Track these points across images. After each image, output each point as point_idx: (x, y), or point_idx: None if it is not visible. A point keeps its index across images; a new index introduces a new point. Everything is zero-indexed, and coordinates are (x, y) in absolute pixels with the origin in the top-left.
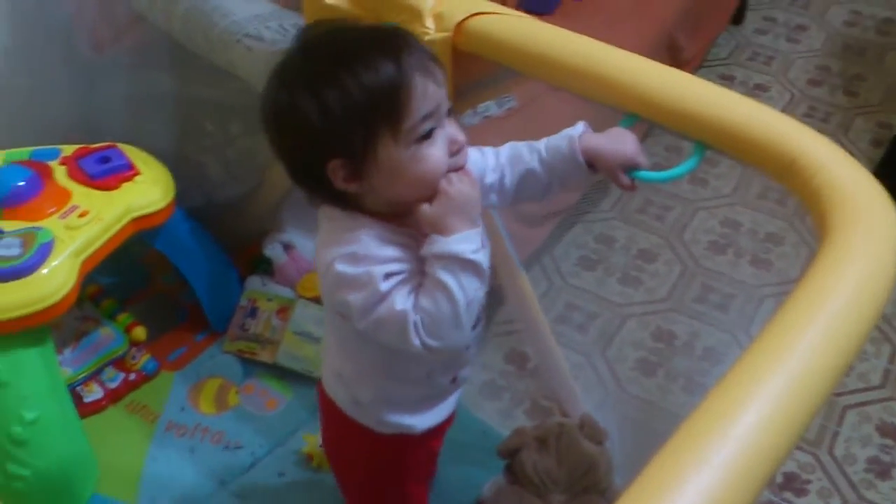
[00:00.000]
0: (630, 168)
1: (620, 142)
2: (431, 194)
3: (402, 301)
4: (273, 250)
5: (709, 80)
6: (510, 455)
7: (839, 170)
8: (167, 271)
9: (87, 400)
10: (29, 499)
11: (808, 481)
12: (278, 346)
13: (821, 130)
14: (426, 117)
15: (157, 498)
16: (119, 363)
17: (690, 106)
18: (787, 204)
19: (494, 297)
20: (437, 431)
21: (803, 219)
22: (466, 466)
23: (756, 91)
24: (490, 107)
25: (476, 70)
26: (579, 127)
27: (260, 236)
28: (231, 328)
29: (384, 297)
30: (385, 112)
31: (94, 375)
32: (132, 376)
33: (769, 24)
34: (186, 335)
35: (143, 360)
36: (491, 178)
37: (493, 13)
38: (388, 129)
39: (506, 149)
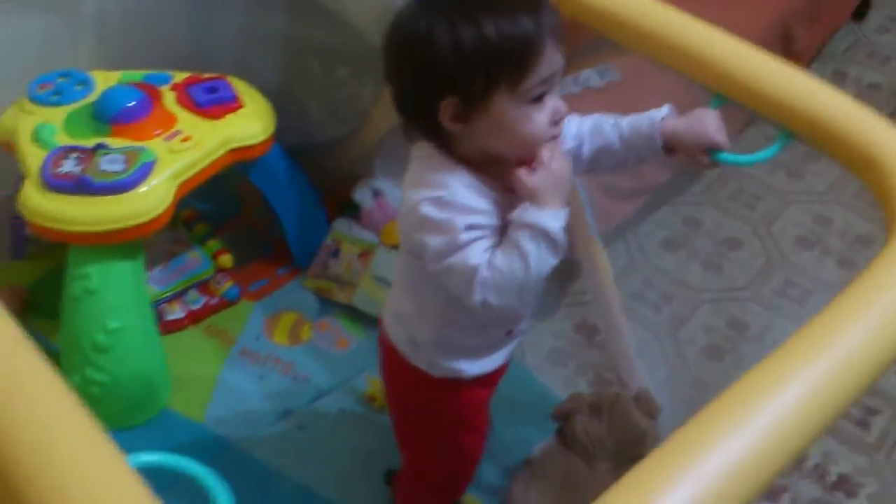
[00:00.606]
0: (710, 149)
1: (700, 123)
2: (524, 156)
3: (477, 255)
4: (362, 195)
5: (822, 75)
6: (563, 418)
7: None
8: (259, 204)
9: (168, 318)
10: (103, 404)
11: (862, 484)
12: (356, 289)
13: None
14: (544, 81)
15: (223, 418)
16: (203, 287)
17: (777, 91)
18: None
19: (571, 268)
20: (488, 380)
21: None
22: (522, 426)
23: (868, 90)
24: (591, 77)
25: (576, 37)
26: (664, 110)
27: (352, 180)
28: (313, 266)
29: (462, 247)
30: (512, 65)
31: (178, 296)
32: (214, 301)
33: (892, 24)
34: (270, 268)
35: (226, 286)
36: (569, 144)
37: None
38: (509, 82)
39: (589, 119)
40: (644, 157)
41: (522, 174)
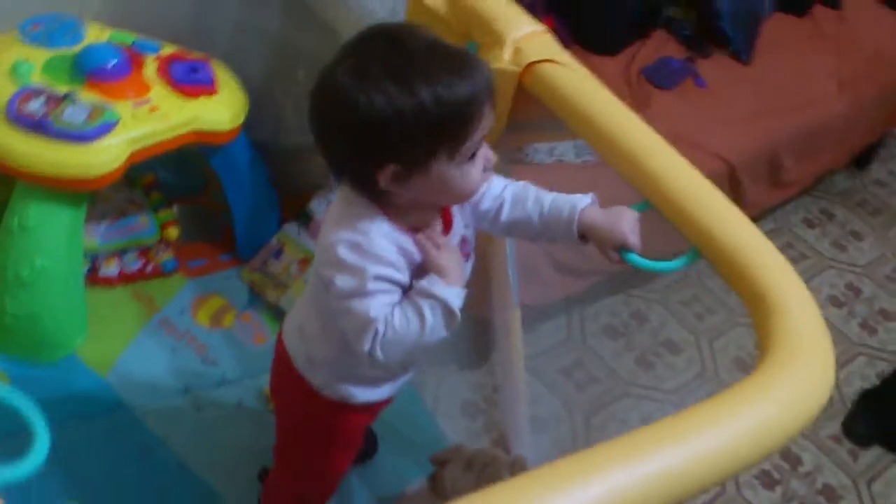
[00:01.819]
0: (622, 248)
1: (616, 221)
2: (455, 202)
3: (377, 308)
4: (318, 206)
5: (808, 210)
6: (439, 464)
7: (798, 321)
8: (220, 189)
9: (102, 273)
10: (14, 336)
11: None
12: (286, 291)
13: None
14: (478, 142)
15: (125, 379)
16: (144, 252)
17: (694, 211)
18: None
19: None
20: (374, 408)
21: None
22: (406, 463)
23: (849, 237)
24: (567, 152)
25: (534, 111)
26: (587, 198)
27: (312, 189)
28: (254, 260)
29: (366, 294)
30: (452, 133)
31: (118, 254)
32: (150, 267)
33: (891, 179)
34: (213, 251)
35: (165, 256)
36: (487, 205)
37: (565, 66)
38: (448, 147)
39: (513, 187)
40: (558, 238)
41: (433, 252)
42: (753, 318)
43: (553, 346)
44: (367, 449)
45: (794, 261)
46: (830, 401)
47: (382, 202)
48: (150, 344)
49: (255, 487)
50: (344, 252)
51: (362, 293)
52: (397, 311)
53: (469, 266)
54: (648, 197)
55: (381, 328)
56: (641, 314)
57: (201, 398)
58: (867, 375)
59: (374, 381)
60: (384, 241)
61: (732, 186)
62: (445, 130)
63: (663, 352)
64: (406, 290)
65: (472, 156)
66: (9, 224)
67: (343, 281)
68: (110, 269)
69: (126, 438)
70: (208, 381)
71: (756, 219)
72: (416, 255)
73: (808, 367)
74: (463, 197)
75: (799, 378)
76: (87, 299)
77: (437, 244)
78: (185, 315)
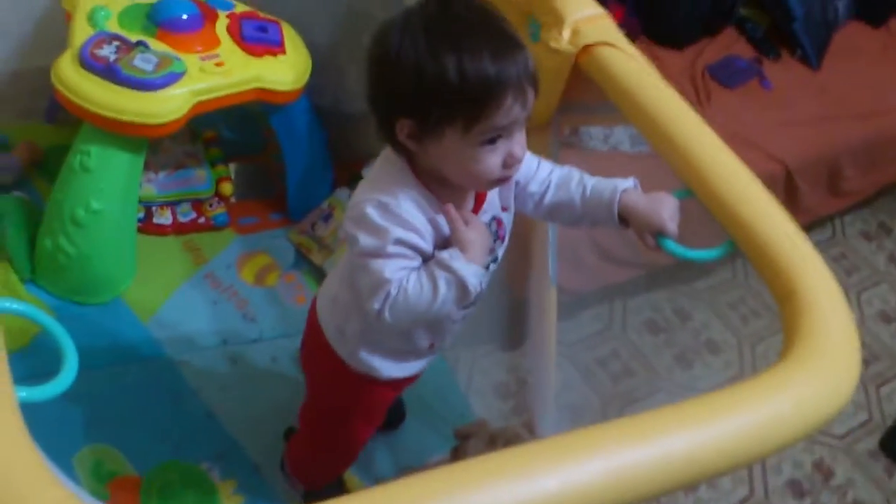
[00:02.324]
0: (659, 233)
1: (657, 207)
2: (472, 187)
3: (394, 271)
4: (369, 172)
5: (867, 222)
6: (462, 438)
7: (827, 320)
8: (278, 150)
9: (155, 221)
10: (64, 273)
11: None
12: (331, 255)
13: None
14: (498, 128)
15: (165, 326)
16: (197, 205)
17: (734, 203)
18: None
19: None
20: (399, 384)
21: None
22: (430, 435)
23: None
24: (623, 141)
25: (588, 93)
26: (629, 181)
27: (367, 157)
28: (303, 221)
29: (385, 256)
30: (467, 108)
31: (172, 204)
32: (202, 220)
33: None
34: (264, 209)
35: (218, 210)
36: (533, 187)
37: (622, 50)
38: (462, 121)
39: (559, 171)
40: (599, 221)
41: (460, 226)
42: (781, 313)
43: (592, 335)
44: (395, 418)
45: (847, 272)
46: (870, 416)
47: (414, 166)
48: (194, 295)
49: (279, 445)
50: (371, 211)
51: (382, 254)
52: (413, 278)
53: (502, 249)
54: (690, 185)
55: (393, 291)
56: (685, 312)
57: (237, 352)
58: None
59: (401, 356)
60: (412, 206)
61: (788, 190)
62: (461, 104)
63: (703, 351)
64: (427, 260)
65: (493, 141)
66: (71, 163)
67: (365, 239)
68: (163, 217)
69: (159, 384)
70: (246, 336)
71: (811, 226)
72: (445, 228)
73: (829, 368)
74: (476, 181)
75: (818, 378)
76: (137, 245)
77: (465, 219)
78: (231, 270)
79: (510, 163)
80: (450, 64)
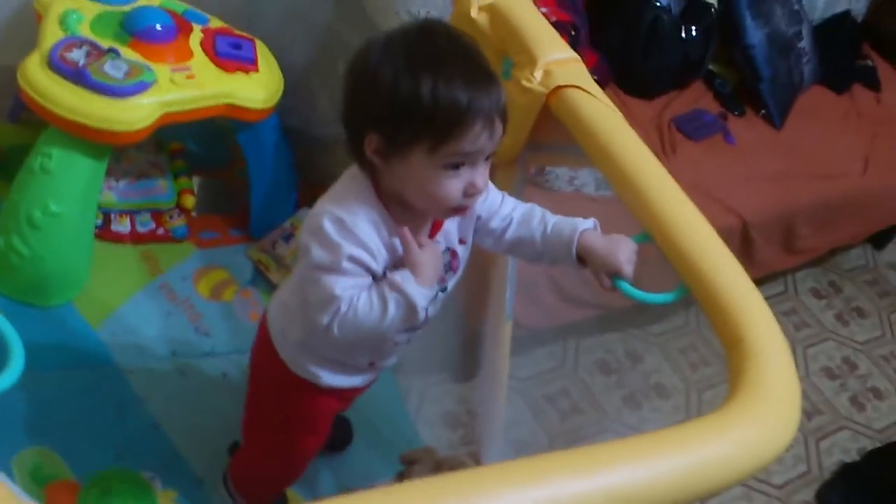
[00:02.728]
0: (615, 275)
1: (614, 248)
2: (433, 214)
3: (344, 288)
4: (332, 186)
5: (818, 279)
6: (407, 463)
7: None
8: (243, 168)
9: (113, 228)
10: (16, 275)
11: None
12: (288, 274)
13: (890, 379)
14: (464, 154)
15: (116, 334)
16: (157, 215)
17: (690, 250)
18: None
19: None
20: (342, 395)
21: None
22: (378, 458)
23: (853, 313)
24: (587, 184)
25: (555, 134)
26: (589, 222)
27: (333, 180)
28: (264, 240)
29: (337, 272)
30: (435, 129)
31: (132, 213)
32: (161, 231)
33: None
34: (225, 225)
35: (178, 223)
36: (495, 223)
37: (592, 95)
38: (429, 141)
39: (522, 207)
40: (557, 260)
41: (414, 249)
42: (728, 359)
43: (544, 371)
44: (341, 439)
45: (796, 327)
46: (808, 468)
47: (377, 186)
48: (147, 304)
49: (223, 460)
50: (327, 224)
51: (334, 269)
52: (363, 296)
53: (454, 281)
54: (649, 230)
55: (343, 307)
56: (637, 355)
57: (187, 365)
58: (848, 449)
59: (341, 368)
60: (369, 226)
61: (744, 243)
62: (430, 124)
63: (652, 394)
64: (376, 279)
65: (457, 167)
66: (31, 165)
67: (318, 252)
68: (122, 225)
69: (106, 392)
70: (197, 349)
71: (764, 280)
72: (400, 251)
73: (771, 414)
74: (435, 205)
75: (760, 423)
76: (93, 252)
77: (420, 243)
78: (187, 283)
79: (470, 192)
80: (425, 85)
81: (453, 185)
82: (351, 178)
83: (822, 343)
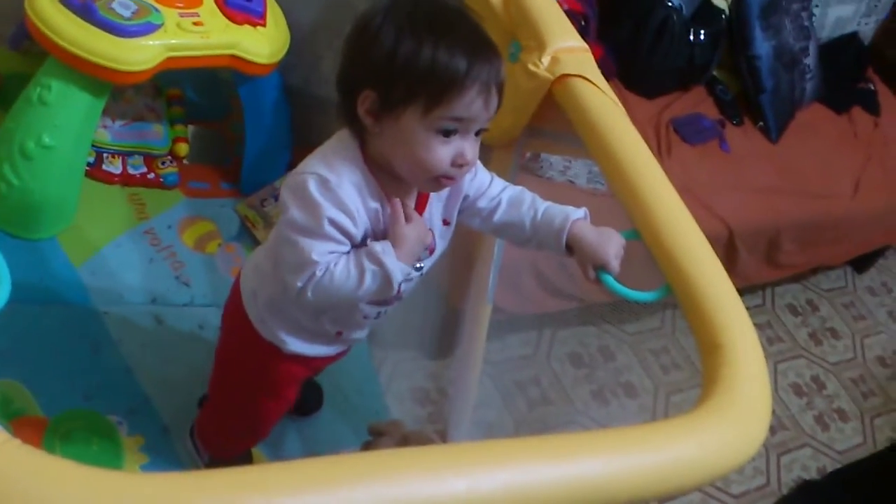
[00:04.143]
0: (601, 268)
1: (604, 243)
2: (418, 183)
3: (321, 253)
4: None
5: (795, 296)
6: (375, 434)
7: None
8: (240, 120)
9: (104, 168)
10: (3, 202)
11: None
12: None
13: (857, 402)
14: (457, 119)
15: (96, 274)
16: (149, 160)
17: (677, 251)
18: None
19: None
20: (307, 363)
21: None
22: (346, 427)
23: (827, 333)
24: (580, 175)
25: (555, 121)
26: (580, 212)
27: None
28: (253, 196)
29: (315, 234)
30: (431, 90)
31: (124, 154)
32: (151, 175)
33: (883, 290)
34: (216, 177)
35: (169, 169)
36: (483, 203)
37: (595, 85)
38: (423, 103)
39: (512, 189)
40: (545, 246)
41: (401, 220)
42: (703, 362)
43: (516, 358)
44: (311, 405)
45: (769, 340)
46: (767, 481)
47: (365, 151)
48: (130, 248)
49: (192, 411)
50: (311, 183)
51: (312, 232)
52: (341, 263)
53: (430, 262)
54: (638, 226)
55: (318, 272)
56: (609, 351)
57: (165, 313)
58: (808, 467)
59: (308, 336)
60: (352, 189)
61: (728, 251)
62: (426, 85)
63: (620, 392)
64: (356, 246)
65: (448, 134)
66: (29, 95)
67: (297, 212)
68: (113, 166)
69: (81, 331)
70: (176, 298)
71: (743, 291)
72: (383, 221)
73: (741, 421)
74: (421, 172)
75: (729, 428)
76: (82, 189)
77: (408, 215)
78: (172, 231)
79: (459, 162)
80: (427, 46)
81: (442, 152)
82: (339, 139)
83: (793, 360)
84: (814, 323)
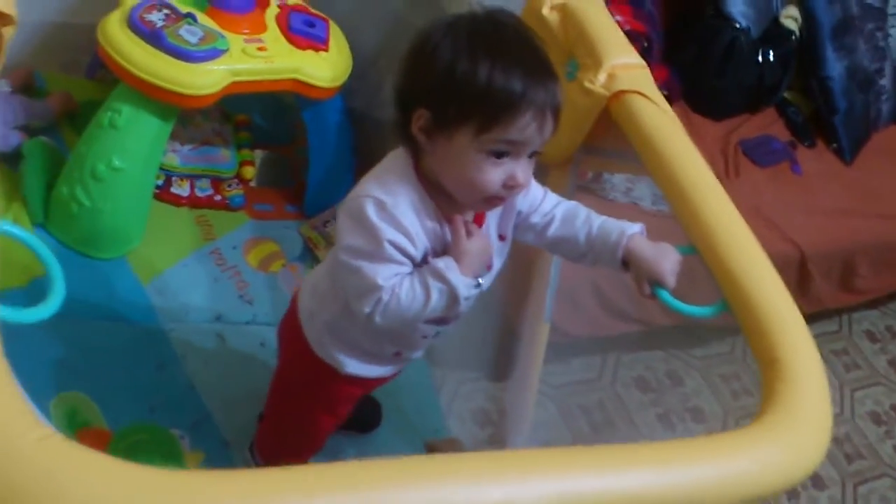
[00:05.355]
0: (656, 284)
1: (660, 258)
2: (470, 203)
3: (386, 277)
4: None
5: (874, 322)
6: (430, 452)
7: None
8: (305, 144)
9: (173, 190)
10: (74, 224)
11: None
12: None
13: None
14: (510, 143)
15: (163, 293)
16: (216, 183)
17: (733, 265)
18: None
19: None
20: (364, 383)
21: None
22: (403, 444)
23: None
24: (644, 198)
25: (613, 138)
26: (636, 226)
27: None
28: (316, 217)
29: (377, 258)
30: (484, 111)
31: (192, 178)
32: (218, 198)
33: None
34: (281, 200)
35: (235, 192)
36: (536, 219)
37: (652, 101)
38: (476, 123)
39: (565, 204)
40: (600, 261)
41: (463, 236)
42: (762, 379)
43: (581, 381)
44: (370, 421)
45: (846, 367)
46: None
47: (418, 169)
48: (197, 267)
49: (251, 427)
50: (369, 208)
51: (374, 256)
52: (406, 284)
53: (489, 279)
54: (695, 240)
55: (385, 297)
56: (677, 376)
57: (228, 330)
58: (888, 498)
59: (366, 357)
60: (409, 209)
61: (801, 275)
62: (480, 107)
63: (687, 417)
64: (417, 265)
65: (500, 156)
66: (100, 119)
67: (357, 239)
68: (181, 189)
69: (147, 348)
70: (240, 316)
71: (818, 316)
72: (442, 239)
73: (799, 436)
74: (471, 192)
75: (786, 443)
76: (151, 211)
77: (469, 231)
78: (237, 251)
79: (510, 184)
80: (483, 67)
81: (493, 174)
82: (393, 158)
83: (871, 387)
84: (893, 350)
